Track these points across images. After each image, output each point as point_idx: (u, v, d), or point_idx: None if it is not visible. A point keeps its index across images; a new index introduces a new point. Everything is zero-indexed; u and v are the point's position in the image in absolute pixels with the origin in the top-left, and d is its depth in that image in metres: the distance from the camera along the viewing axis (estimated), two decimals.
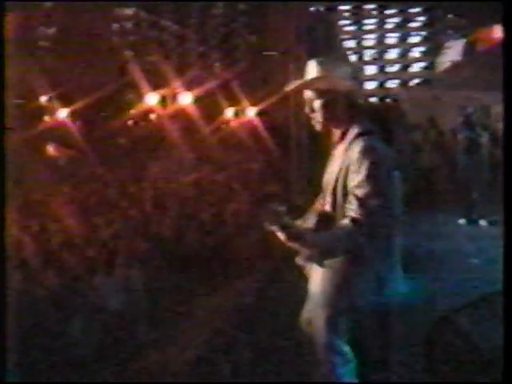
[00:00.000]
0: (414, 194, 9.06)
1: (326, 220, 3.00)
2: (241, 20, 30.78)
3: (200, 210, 7.96)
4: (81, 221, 7.53)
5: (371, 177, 2.86)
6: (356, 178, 2.88)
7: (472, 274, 6.15)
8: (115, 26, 22.77)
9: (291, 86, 3.22)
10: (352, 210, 2.86)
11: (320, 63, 3.14)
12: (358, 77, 42.32)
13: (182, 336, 5.35)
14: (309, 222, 3.07)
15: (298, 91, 3.21)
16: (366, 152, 2.90)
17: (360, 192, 2.86)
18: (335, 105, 3.08)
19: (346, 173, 2.95)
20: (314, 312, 3.13)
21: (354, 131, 3.04)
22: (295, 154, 9.80)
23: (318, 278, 3.09)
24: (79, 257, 6.25)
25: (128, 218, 7.94)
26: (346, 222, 2.85)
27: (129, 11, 23.53)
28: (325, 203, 3.11)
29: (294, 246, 2.88)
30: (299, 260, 3.08)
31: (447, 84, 19.49)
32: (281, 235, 2.82)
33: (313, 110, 3.14)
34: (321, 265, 3.00)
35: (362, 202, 2.85)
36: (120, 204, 8.96)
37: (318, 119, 3.13)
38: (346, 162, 2.97)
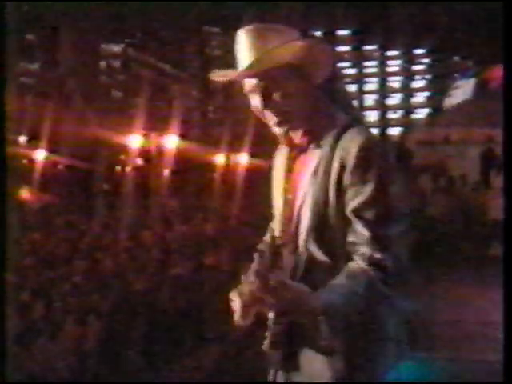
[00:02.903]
0: (424, 246, 8.18)
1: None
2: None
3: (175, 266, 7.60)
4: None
5: (383, 190, 1.92)
6: (359, 195, 1.93)
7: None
8: (102, 63, 22.67)
9: (222, 76, 2.14)
10: (361, 244, 1.91)
11: (256, 32, 2.00)
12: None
13: None
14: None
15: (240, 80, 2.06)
16: (369, 151, 1.93)
17: (371, 216, 1.91)
18: (305, 88, 2.03)
19: (336, 187, 1.96)
20: None
21: (335, 122, 2.05)
22: None
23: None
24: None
25: (94, 270, 7.58)
26: (359, 265, 1.90)
27: (117, 48, 23.41)
28: (285, 236, 2.10)
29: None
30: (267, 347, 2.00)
31: (451, 123, 19.28)
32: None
33: (268, 106, 2.01)
34: (331, 349, 1.91)
35: (376, 232, 1.90)
36: (90, 255, 8.61)
37: (282, 118, 2.04)
38: (329, 169, 1.98)
